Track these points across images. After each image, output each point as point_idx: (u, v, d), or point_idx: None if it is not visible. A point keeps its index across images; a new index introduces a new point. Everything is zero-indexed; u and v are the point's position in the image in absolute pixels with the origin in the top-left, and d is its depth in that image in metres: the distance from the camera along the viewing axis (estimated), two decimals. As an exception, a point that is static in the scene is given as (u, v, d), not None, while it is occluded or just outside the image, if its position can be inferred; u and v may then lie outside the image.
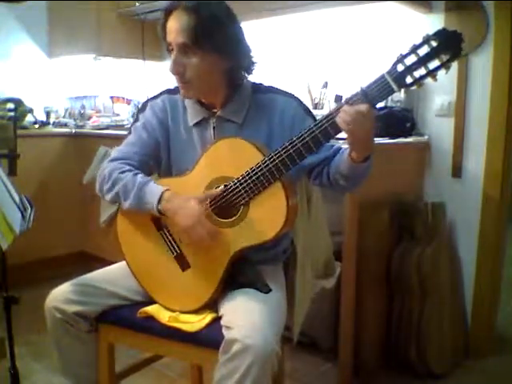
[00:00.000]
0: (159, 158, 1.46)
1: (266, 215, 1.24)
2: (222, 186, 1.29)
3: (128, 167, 1.39)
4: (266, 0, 2.45)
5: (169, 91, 1.47)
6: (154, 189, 1.31)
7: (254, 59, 1.39)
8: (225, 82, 1.37)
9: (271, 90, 1.42)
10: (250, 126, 1.38)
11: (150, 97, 1.51)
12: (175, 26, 1.28)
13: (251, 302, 1.26)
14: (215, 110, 1.40)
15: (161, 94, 1.48)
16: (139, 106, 3.47)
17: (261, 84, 1.44)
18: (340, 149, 1.33)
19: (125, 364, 1.62)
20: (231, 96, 1.38)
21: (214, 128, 1.39)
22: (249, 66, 1.39)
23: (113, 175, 1.37)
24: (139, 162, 1.42)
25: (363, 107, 1.12)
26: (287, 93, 1.42)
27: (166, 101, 1.45)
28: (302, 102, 1.42)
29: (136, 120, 1.48)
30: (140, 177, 1.35)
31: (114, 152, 1.46)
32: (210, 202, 1.30)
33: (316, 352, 2.26)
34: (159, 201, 1.29)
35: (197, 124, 1.41)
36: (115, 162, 1.41)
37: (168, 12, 1.30)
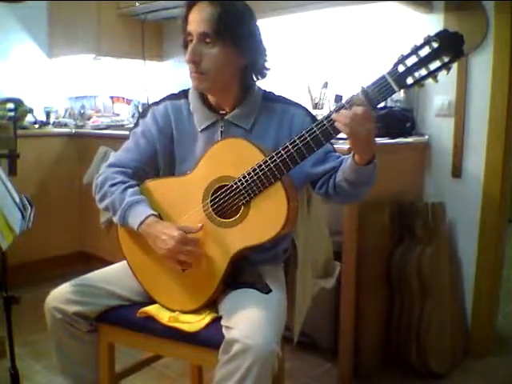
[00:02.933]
0: (157, 165, 1.46)
1: (267, 215, 1.24)
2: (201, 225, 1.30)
3: (120, 178, 1.39)
4: (267, 0, 2.45)
5: (172, 97, 1.47)
6: (138, 212, 1.31)
7: (268, 63, 1.40)
8: (237, 81, 1.38)
9: (281, 99, 1.43)
10: (258, 133, 1.38)
11: (152, 102, 1.50)
12: (198, 17, 1.30)
13: (251, 302, 1.26)
14: (223, 112, 1.40)
15: (163, 99, 1.47)
16: (139, 108, 3.47)
17: (271, 92, 1.45)
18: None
19: (125, 364, 1.62)
20: (241, 99, 1.39)
21: (221, 132, 1.39)
22: (262, 69, 1.39)
23: (104, 186, 1.39)
24: (134, 169, 1.42)
25: (360, 109, 1.12)
26: (296, 103, 1.43)
27: (168, 107, 1.44)
28: (310, 112, 1.43)
29: (136, 125, 1.48)
30: (129, 194, 1.34)
31: (112, 157, 1.47)
32: (211, 202, 1.30)
33: (316, 352, 2.26)
34: (140, 224, 1.30)
35: (205, 129, 1.40)
36: (111, 169, 1.42)
37: (191, 4, 1.32)
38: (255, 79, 1.41)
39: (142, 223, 1.30)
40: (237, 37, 1.29)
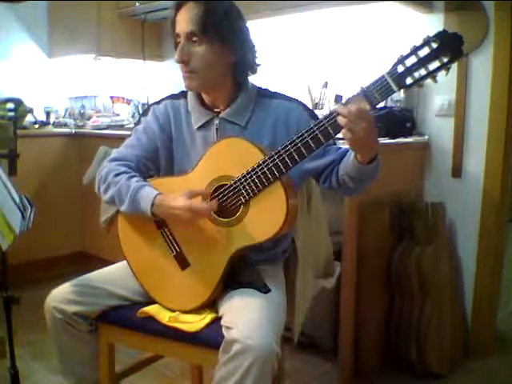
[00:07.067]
0: (158, 163, 1.46)
1: (266, 215, 1.24)
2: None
3: (124, 168, 1.39)
4: (267, 0, 2.45)
5: (172, 96, 1.48)
6: (146, 195, 1.31)
7: (258, 59, 1.40)
8: (229, 78, 1.38)
9: (276, 95, 1.43)
10: (254, 129, 1.38)
11: (152, 101, 1.51)
12: (185, 17, 1.31)
13: (251, 302, 1.26)
14: (218, 110, 1.40)
15: (164, 99, 1.49)
16: (139, 107, 3.48)
17: (266, 89, 1.45)
18: (348, 151, 1.33)
19: (125, 364, 1.62)
20: (235, 96, 1.39)
21: (216, 130, 1.39)
22: (253, 64, 1.40)
23: (108, 177, 1.39)
24: (137, 163, 1.43)
25: (359, 108, 1.12)
26: (293, 98, 1.43)
27: (168, 106, 1.46)
28: (307, 107, 1.43)
29: (138, 123, 1.50)
30: (134, 181, 1.35)
31: (114, 153, 1.48)
32: (211, 201, 1.30)
33: (316, 352, 2.26)
34: (152, 206, 1.29)
35: (200, 127, 1.41)
36: (113, 162, 1.42)
37: (178, 6, 1.33)
38: (246, 75, 1.40)
39: (152, 206, 1.29)
40: (223, 33, 1.30)
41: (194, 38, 1.31)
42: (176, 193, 1.29)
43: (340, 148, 1.38)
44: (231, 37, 1.32)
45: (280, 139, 1.33)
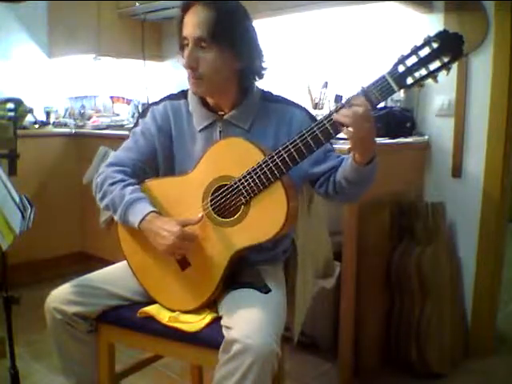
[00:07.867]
0: (156, 165, 1.46)
1: (266, 215, 1.24)
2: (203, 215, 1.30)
3: (120, 176, 1.38)
4: (267, 0, 2.45)
5: (171, 97, 1.47)
6: (144, 208, 1.31)
7: (265, 64, 1.39)
8: (235, 83, 1.37)
9: (280, 99, 1.43)
10: (257, 133, 1.37)
11: (151, 101, 1.50)
12: (193, 20, 1.29)
13: (251, 302, 1.26)
14: (222, 113, 1.40)
15: (163, 99, 1.47)
16: (139, 107, 3.47)
17: (270, 93, 1.44)
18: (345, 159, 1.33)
19: (125, 364, 1.62)
20: (240, 100, 1.38)
21: (220, 132, 1.39)
22: (260, 70, 1.39)
23: (104, 186, 1.39)
24: (133, 168, 1.42)
25: (360, 109, 1.13)
26: (296, 103, 1.43)
27: (167, 107, 1.44)
28: (309, 113, 1.43)
29: (136, 124, 1.49)
30: (128, 192, 1.34)
31: (111, 157, 1.47)
32: (211, 201, 1.30)
33: (316, 352, 2.26)
34: (141, 221, 1.29)
35: (203, 129, 1.41)
36: (110, 168, 1.42)
37: (186, 7, 1.31)
38: (253, 80, 1.40)
39: (141, 221, 1.29)
40: (233, 40, 1.28)
41: (203, 44, 1.28)
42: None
43: (339, 156, 1.38)
44: (241, 43, 1.30)
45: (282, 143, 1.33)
